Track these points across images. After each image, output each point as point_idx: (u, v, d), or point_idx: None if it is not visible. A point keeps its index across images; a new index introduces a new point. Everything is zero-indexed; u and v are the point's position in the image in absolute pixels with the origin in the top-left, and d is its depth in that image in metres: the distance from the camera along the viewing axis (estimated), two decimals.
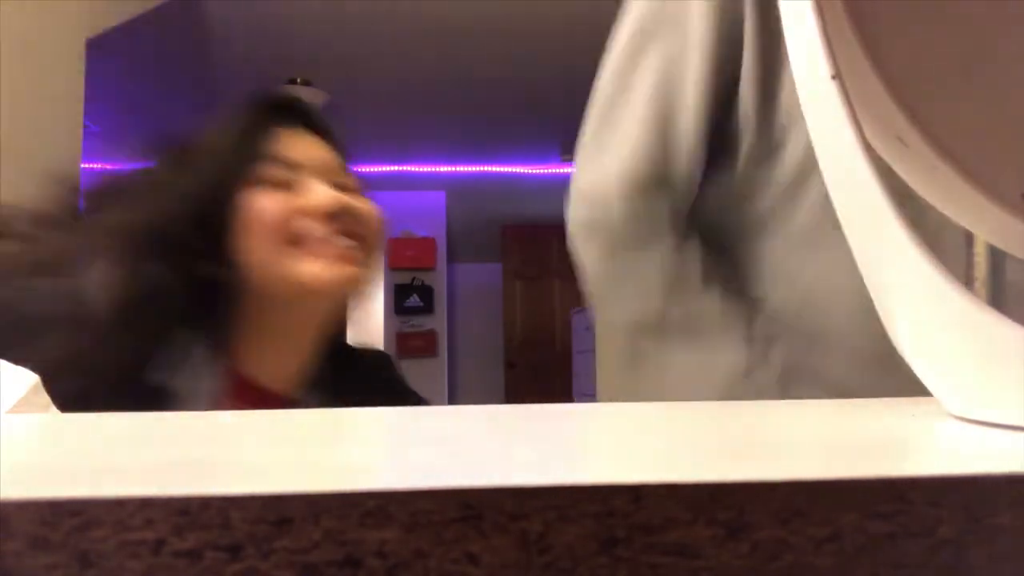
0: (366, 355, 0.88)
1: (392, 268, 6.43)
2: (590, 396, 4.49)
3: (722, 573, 0.17)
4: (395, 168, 5.96)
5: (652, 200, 0.68)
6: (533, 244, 7.06)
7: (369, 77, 4.43)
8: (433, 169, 6.10)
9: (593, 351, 4.47)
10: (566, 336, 6.03)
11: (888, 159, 0.36)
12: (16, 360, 0.53)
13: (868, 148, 0.29)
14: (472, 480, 0.18)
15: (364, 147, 5.46)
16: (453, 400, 6.73)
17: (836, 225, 0.32)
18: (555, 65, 4.30)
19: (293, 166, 0.72)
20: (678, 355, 0.69)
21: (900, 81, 0.34)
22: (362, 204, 0.75)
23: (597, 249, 0.71)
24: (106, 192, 0.78)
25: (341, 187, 0.74)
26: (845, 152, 0.30)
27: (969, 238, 0.63)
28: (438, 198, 6.53)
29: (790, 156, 0.66)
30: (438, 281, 6.65)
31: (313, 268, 0.70)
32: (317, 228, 0.71)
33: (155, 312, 0.67)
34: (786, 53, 0.33)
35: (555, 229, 6.91)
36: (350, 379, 0.81)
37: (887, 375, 0.45)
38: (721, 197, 0.72)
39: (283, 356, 0.75)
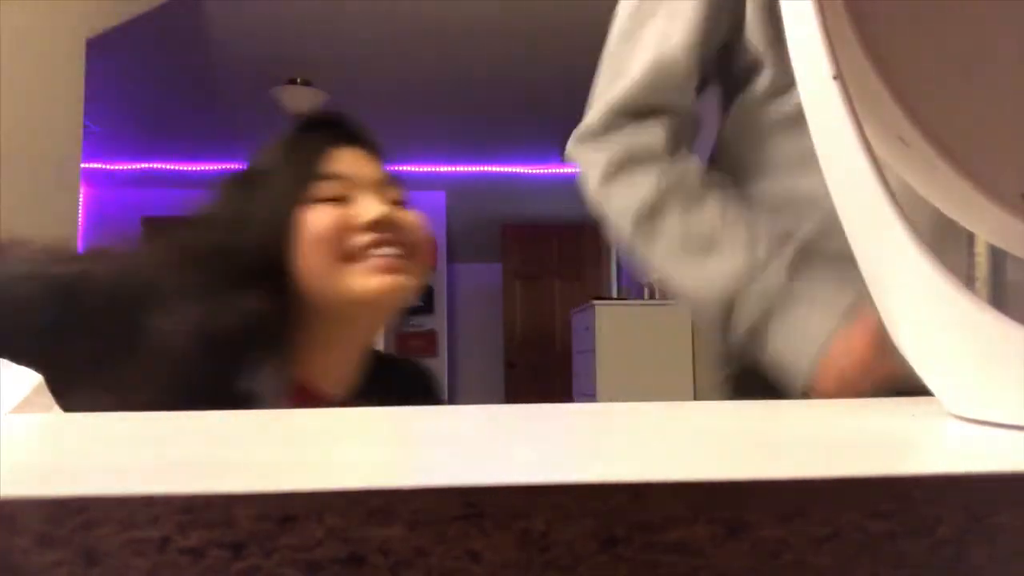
0: (407, 365, 0.92)
1: None
2: (590, 396, 4.49)
3: (722, 572, 0.17)
4: (395, 168, 5.95)
5: (646, 124, 0.76)
6: (533, 244, 7.06)
7: (369, 77, 4.43)
8: (433, 169, 6.10)
9: (593, 351, 4.48)
10: (566, 336, 6.02)
11: (889, 159, 0.36)
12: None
13: (869, 148, 0.29)
14: (474, 479, 0.18)
15: None
16: (453, 400, 6.73)
17: None
18: (555, 65, 4.29)
19: (343, 182, 0.76)
20: (681, 265, 0.74)
21: (901, 81, 0.35)
22: (407, 214, 0.79)
23: (601, 166, 0.77)
24: (182, 224, 0.81)
25: (387, 200, 0.77)
26: (846, 152, 0.30)
27: (970, 238, 0.63)
28: (438, 198, 6.53)
29: None
30: (438, 281, 6.65)
31: (363, 281, 0.73)
32: (364, 240, 0.74)
33: (237, 335, 0.70)
34: None
35: (555, 229, 6.86)
36: (392, 386, 0.84)
37: None
38: (738, 123, 0.80)
39: (338, 363, 0.78)
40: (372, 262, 0.74)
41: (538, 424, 0.35)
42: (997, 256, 0.63)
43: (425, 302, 6.54)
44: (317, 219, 0.73)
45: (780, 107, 0.76)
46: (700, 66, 0.76)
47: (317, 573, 0.16)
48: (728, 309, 0.71)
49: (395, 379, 0.86)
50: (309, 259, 0.73)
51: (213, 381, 0.68)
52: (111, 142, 5.66)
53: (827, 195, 0.32)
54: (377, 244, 0.74)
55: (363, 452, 0.26)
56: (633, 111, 0.77)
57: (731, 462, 0.23)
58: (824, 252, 0.70)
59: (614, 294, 6.19)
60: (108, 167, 6.16)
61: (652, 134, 0.76)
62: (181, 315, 0.68)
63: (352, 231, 0.74)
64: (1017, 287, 0.63)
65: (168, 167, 6.28)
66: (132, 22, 3.05)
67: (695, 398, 4.38)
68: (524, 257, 7.07)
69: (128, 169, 6.26)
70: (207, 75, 4.58)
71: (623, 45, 0.79)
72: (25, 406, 0.47)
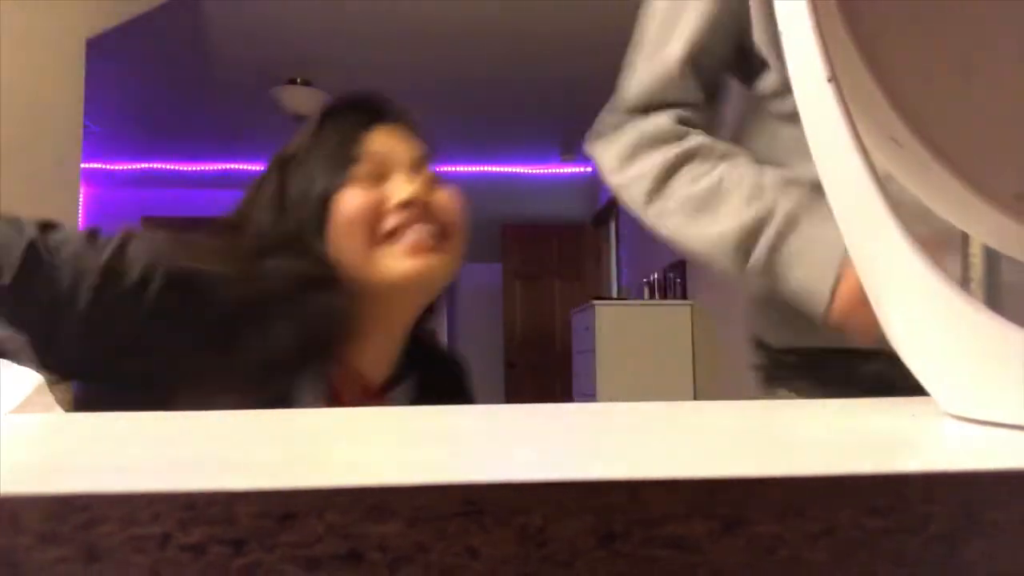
0: (443, 356, 0.90)
1: None
2: (590, 396, 4.49)
3: (718, 567, 0.17)
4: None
5: (652, 116, 0.81)
6: (533, 244, 7.06)
7: (369, 77, 4.43)
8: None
9: (593, 351, 4.48)
10: (566, 336, 6.02)
11: (883, 160, 0.36)
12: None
13: (863, 149, 0.29)
14: (473, 476, 0.18)
15: None
16: None
17: None
18: (555, 65, 4.30)
19: (378, 162, 0.74)
20: (691, 225, 0.78)
21: (895, 82, 0.35)
22: (441, 194, 0.77)
23: (615, 154, 0.83)
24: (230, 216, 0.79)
25: (423, 179, 0.76)
26: (841, 153, 0.30)
27: (965, 239, 0.63)
28: None
29: None
30: None
31: (394, 264, 0.72)
32: (396, 221, 0.72)
33: (326, 334, 0.70)
34: None
35: (555, 229, 6.84)
36: (427, 375, 0.82)
37: None
38: (749, 116, 0.86)
39: (376, 347, 0.76)
40: (404, 243, 0.72)
41: (538, 423, 0.35)
42: (992, 257, 0.63)
43: None
44: (349, 201, 0.72)
45: (784, 105, 0.78)
46: (700, 69, 0.81)
47: (317, 569, 0.16)
48: (744, 254, 0.74)
49: (431, 368, 0.84)
50: (343, 243, 0.72)
51: (286, 374, 0.67)
52: (111, 142, 5.66)
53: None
54: (409, 224, 0.73)
55: (363, 450, 0.26)
56: (640, 108, 0.82)
57: (728, 460, 0.23)
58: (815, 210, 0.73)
59: (614, 294, 6.19)
60: (108, 167, 6.17)
61: (658, 123, 0.81)
62: (279, 318, 0.67)
63: (385, 212, 0.73)
64: (1012, 288, 0.63)
65: (168, 167, 6.28)
66: (132, 22, 3.05)
67: (695, 398, 4.38)
68: (524, 257, 7.07)
69: (128, 169, 6.26)
70: (207, 75, 4.58)
71: (632, 51, 0.85)
72: (25, 406, 0.47)
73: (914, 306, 0.31)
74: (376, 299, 0.73)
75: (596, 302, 4.57)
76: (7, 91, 2.17)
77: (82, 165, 2.72)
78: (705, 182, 0.77)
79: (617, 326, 4.47)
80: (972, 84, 0.35)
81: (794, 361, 0.86)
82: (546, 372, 6.84)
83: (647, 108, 0.82)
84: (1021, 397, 0.28)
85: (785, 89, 0.76)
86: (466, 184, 0.85)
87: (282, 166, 0.77)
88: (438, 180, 0.78)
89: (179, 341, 0.65)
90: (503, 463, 0.23)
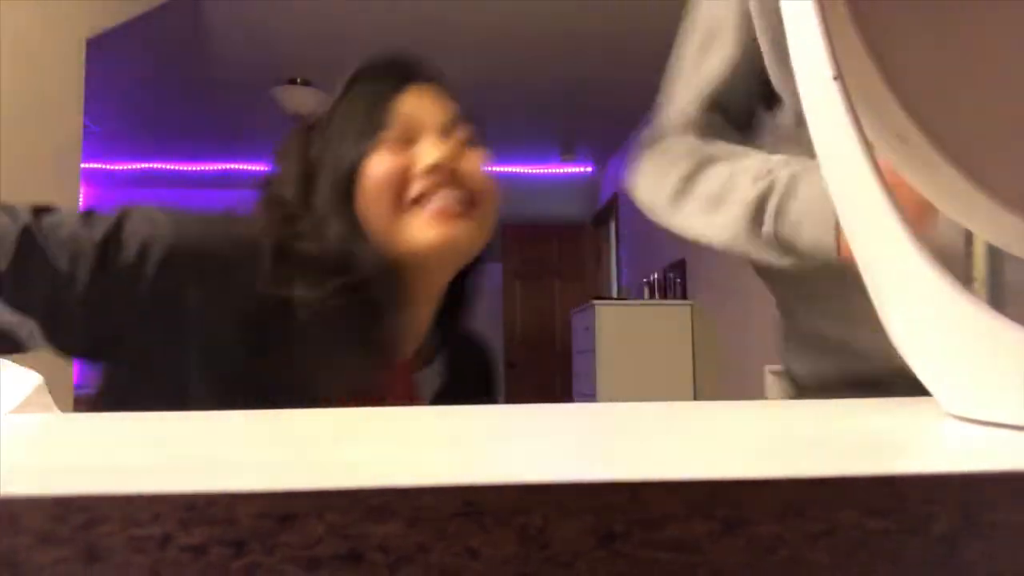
0: (470, 339, 0.88)
1: None
2: (590, 396, 4.49)
3: (719, 568, 0.17)
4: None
5: (681, 138, 0.88)
6: (533, 244, 7.06)
7: None
8: None
9: (593, 351, 4.48)
10: (566, 336, 6.03)
11: (890, 158, 0.36)
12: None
13: (869, 148, 0.29)
14: (473, 476, 0.18)
15: None
16: None
17: None
18: (555, 65, 4.30)
19: (408, 125, 0.71)
20: (696, 217, 0.83)
21: (902, 80, 0.35)
22: (471, 159, 0.74)
23: (644, 169, 0.90)
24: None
25: (454, 142, 0.73)
26: (846, 152, 0.30)
27: (968, 237, 0.63)
28: None
29: None
30: None
31: (419, 232, 0.69)
32: (421, 187, 0.69)
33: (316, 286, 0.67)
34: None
35: (555, 229, 6.84)
36: (459, 357, 0.80)
37: None
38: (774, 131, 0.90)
39: (410, 323, 0.74)
40: (429, 210, 0.69)
41: (538, 424, 0.35)
42: (995, 256, 0.63)
43: None
44: (375, 167, 0.69)
45: (802, 136, 0.79)
46: (725, 107, 0.88)
47: (318, 570, 0.16)
48: (756, 228, 0.77)
49: (459, 349, 0.81)
50: (370, 209, 0.69)
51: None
52: (111, 142, 5.66)
53: None
54: (434, 190, 0.69)
55: (363, 451, 0.26)
56: (669, 132, 0.89)
57: (729, 460, 0.23)
58: None
59: (614, 294, 6.19)
60: (108, 167, 6.17)
61: (684, 142, 0.87)
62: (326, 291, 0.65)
63: (411, 178, 0.70)
64: (1016, 288, 0.63)
65: (168, 167, 6.28)
66: (132, 22, 3.05)
67: (695, 398, 4.38)
68: (524, 257, 7.07)
69: (128, 169, 6.26)
70: (207, 75, 4.58)
71: (667, 77, 0.92)
72: (25, 406, 0.47)
73: (917, 305, 0.31)
74: (403, 269, 0.70)
75: (596, 302, 4.57)
76: (7, 91, 2.17)
77: (82, 165, 2.72)
78: (719, 179, 0.81)
79: (617, 326, 4.48)
80: (979, 82, 0.35)
81: (817, 389, 0.89)
82: (546, 372, 6.84)
83: (673, 132, 0.88)
84: (1023, 398, 0.27)
85: (799, 123, 0.76)
86: None
87: (308, 134, 0.74)
88: (471, 143, 0.75)
89: (186, 317, 0.63)
90: (503, 463, 0.23)
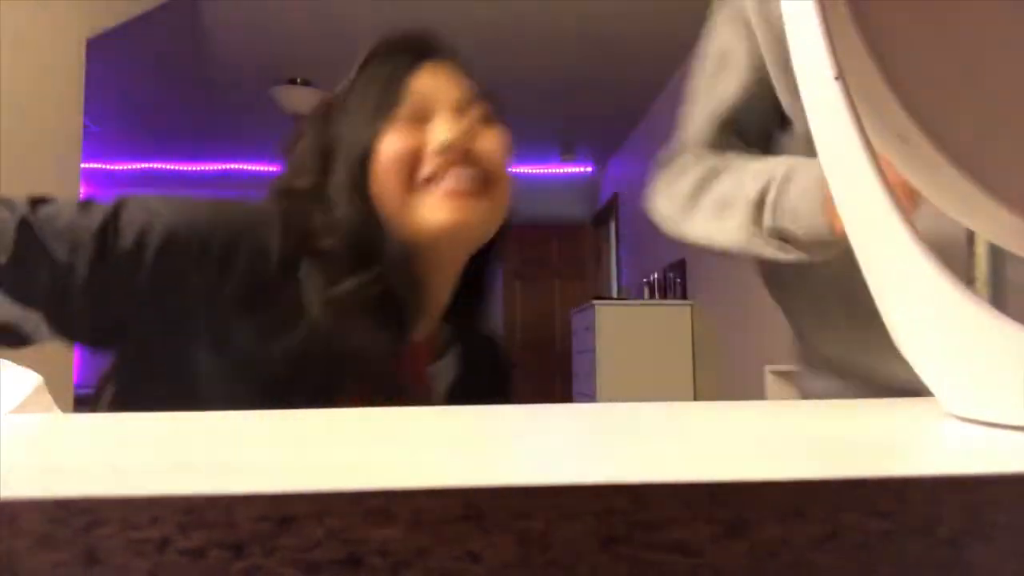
0: (485, 331, 0.86)
1: None
2: (590, 396, 4.49)
3: (721, 570, 0.17)
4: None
5: (698, 156, 0.90)
6: (533, 244, 7.06)
7: None
8: None
9: (593, 351, 4.48)
10: (566, 336, 6.03)
11: (891, 158, 0.36)
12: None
13: (870, 148, 0.29)
14: (474, 479, 0.18)
15: None
16: None
17: None
18: (555, 66, 4.30)
19: (422, 103, 0.70)
20: (706, 223, 0.86)
21: (903, 80, 0.35)
22: (487, 137, 0.72)
23: (660, 183, 0.94)
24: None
25: (470, 119, 0.71)
26: (847, 151, 0.30)
27: (970, 236, 0.63)
28: None
29: None
30: None
31: (429, 212, 0.67)
32: (434, 165, 0.67)
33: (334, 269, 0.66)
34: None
35: (555, 229, 6.82)
36: (473, 350, 0.78)
37: None
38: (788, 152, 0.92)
39: (423, 306, 0.72)
40: (441, 188, 0.67)
41: (538, 425, 0.35)
42: (997, 255, 0.63)
43: None
44: (387, 145, 0.67)
45: (813, 153, 0.82)
46: (739, 129, 0.90)
47: (317, 573, 0.16)
48: (758, 226, 0.79)
49: (472, 342, 0.79)
50: (382, 189, 0.67)
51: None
52: (111, 142, 5.66)
53: None
54: (446, 168, 0.67)
55: (362, 453, 0.26)
56: (684, 151, 0.93)
57: (731, 462, 0.23)
58: None
59: (614, 294, 6.19)
60: (108, 167, 6.17)
61: (697, 158, 0.90)
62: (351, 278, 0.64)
63: (424, 157, 0.68)
64: (1017, 286, 0.63)
65: (168, 167, 6.28)
66: (132, 22, 3.05)
67: (695, 398, 4.38)
68: (524, 257, 7.07)
69: (128, 169, 6.26)
70: (207, 75, 4.58)
71: (688, 95, 0.96)
72: (25, 406, 0.47)
73: (918, 305, 0.31)
74: (416, 251, 0.68)
75: (596, 302, 4.57)
76: (7, 91, 2.17)
77: (82, 165, 2.72)
78: (727, 185, 0.83)
79: (617, 326, 4.48)
80: (980, 82, 0.35)
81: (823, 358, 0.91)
82: (546, 372, 6.84)
83: (691, 150, 0.92)
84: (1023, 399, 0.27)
85: (809, 143, 0.78)
86: None
87: (323, 115, 0.73)
88: (488, 120, 0.73)
89: (190, 302, 0.63)
90: (504, 466, 0.23)
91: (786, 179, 0.77)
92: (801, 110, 0.34)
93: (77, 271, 0.61)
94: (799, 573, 0.17)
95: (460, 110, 0.71)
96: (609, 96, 4.82)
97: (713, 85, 0.91)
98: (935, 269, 0.28)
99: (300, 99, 4.51)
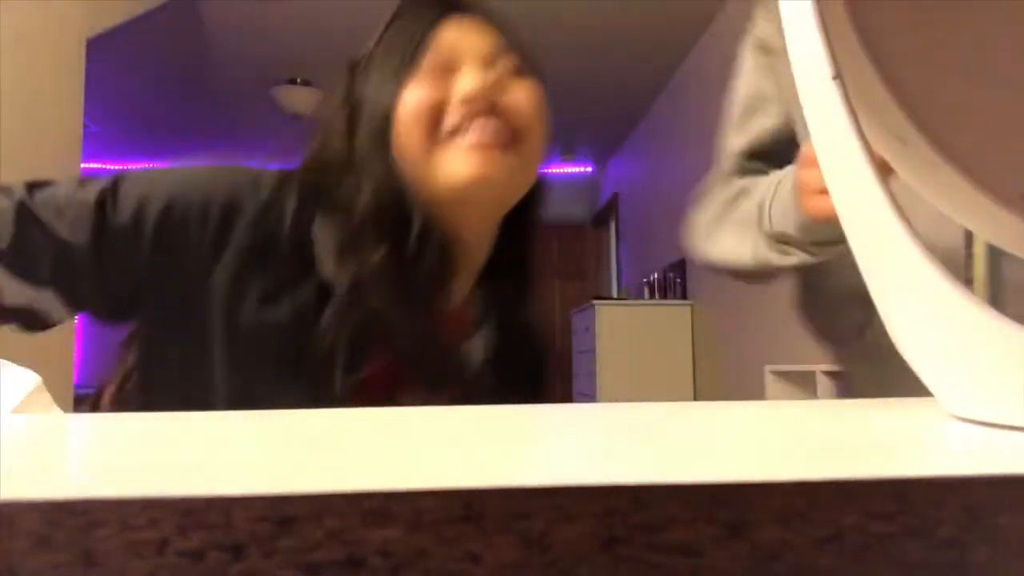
0: (530, 327, 0.83)
1: None
2: (590, 396, 4.49)
3: (722, 573, 0.17)
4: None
5: (728, 182, 0.95)
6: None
7: None
8: None
9: (593, 351, 4.48)
10: (566, 336, 6.03)
11: (889, 158, 0.36)
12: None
13: (868, 148, 0.29)
14: (474, 480, 0.18)
15: None
16: None
17: None
18: (555, 66, 4.29)
19: (446, 56, 0.67)
20: (737, 247, 0.89)
21: (901, 80, 0.35)
22: (517, 89, 0.68)
23: (698, 214, 0.98)
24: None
25: (499, 72, 0.67)
26: (845, 152, 0.30)
27: (968, 237, 0.63)
28: None
29: None
30: None
31: (451, 167, 0.64)
32: (457, 115, 0.64)
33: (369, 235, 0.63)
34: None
35: (555, 229, 6.84)
36: (507, 324, 0.75)
37: None
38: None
39: (456, 273, 0.68)
40: (465, 141, 0.63)
41: (538, 425, 0.35)
42: (995, 255, 0.63)
43: None
44: (410, 96, 0.64)
45: None
46: (769, 156, 0.92)
47: (316, 575, 0.16)
48: (763, 235, 0.81)
49: (507, 315, 0.75)
50: (404, 144, 0.64)
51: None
52: (111, 142, 5.66)
53: None
54: (471, 120, 0.64)
55: (362, 453, 0.26)
56: (717, 182, 0.97)
57: (731, 463, 0.23)
58: None
59: (614, 294, 6.19)
60: (108, 167, 6.17)
61: (726, 184, 0.94)
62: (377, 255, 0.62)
63: (444, 108, 0.64)
64: (1015, 286, 0.63)
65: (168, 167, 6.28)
66: (132, 22, 3.05)
67: (695, 398, 4.38)
68: None
69: (128, 169, 6.27)
70: (207, 75, 4.58)
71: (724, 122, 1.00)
72: (25, 406, 0.47)
73: (917, 305, 0.31)
74: (442, 211, 0.65)
75: (596, 302, 4.57)
76: (7, 91, 2.17)
77: (82, 165, 2.72)
78: (747, 204, 0.86)
79: (617, 326, 4.48)
80: (978, 82, 0.35)
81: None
82: None
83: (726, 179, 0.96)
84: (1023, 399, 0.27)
85: None
86: None
87: (349, 75, 0.71)
88: (519, 72, 0.69)
89: (195, 270, 0.62)
90: (504, 466, 0.23)
91: (780, 183, 0.79)
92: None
93: (79, 246, 0.61)
94: (800, 574, 0.17)
95: (488, 62, 0.67)
96: (609, 96, 4.82)
97: (744, 123, 0.95)
98: (934, 269, 0.28)
99: (300, 99, 4.51)
